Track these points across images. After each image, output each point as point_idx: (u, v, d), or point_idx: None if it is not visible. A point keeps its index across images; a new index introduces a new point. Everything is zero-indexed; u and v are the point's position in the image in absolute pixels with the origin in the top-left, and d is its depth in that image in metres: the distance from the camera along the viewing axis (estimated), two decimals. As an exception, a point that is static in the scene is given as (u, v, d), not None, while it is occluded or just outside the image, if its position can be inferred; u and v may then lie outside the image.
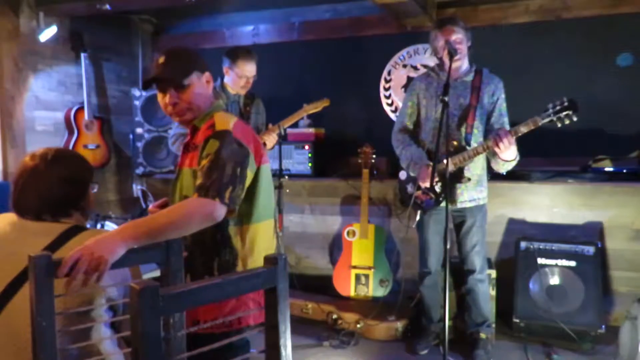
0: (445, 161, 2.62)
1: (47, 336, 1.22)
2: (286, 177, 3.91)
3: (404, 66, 4.41)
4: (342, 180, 4.14)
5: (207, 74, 1.83)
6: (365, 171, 3.81)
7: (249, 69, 3.29)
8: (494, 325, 3.20)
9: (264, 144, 3.33)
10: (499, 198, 3.71)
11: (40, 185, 1.61)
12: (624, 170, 3.51)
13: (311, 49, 4.66)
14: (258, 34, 4.82)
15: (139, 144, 4.56)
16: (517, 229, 3.68)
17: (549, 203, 3.65)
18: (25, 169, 1.64)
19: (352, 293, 3.82)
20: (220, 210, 1.56)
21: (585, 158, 3.65)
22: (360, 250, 3.82)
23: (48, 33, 4.15)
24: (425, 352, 3.20)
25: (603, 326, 3.18)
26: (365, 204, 3.80)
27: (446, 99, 2.55)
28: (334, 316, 3.56)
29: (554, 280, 3.34)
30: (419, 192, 3.04)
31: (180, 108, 1.77)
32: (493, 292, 3.28)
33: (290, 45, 4.71)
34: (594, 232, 3.52)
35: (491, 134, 2.86)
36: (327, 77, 4.58)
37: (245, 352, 1.71)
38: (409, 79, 4.39)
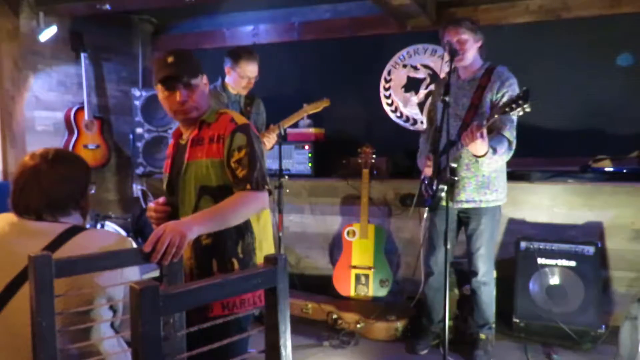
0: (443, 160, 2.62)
1: (47, 336, 1.22)
2: (286, 177, 3.91)
3: (404, 66, 4.41)
4: (342, 180, 4.14)
5: (205, 76, 1.94)
6: (365, 171, 3.81)
7: (250, 69, 3.30)
8: (494, 326, 3.20)
9: (264, 144, 3.34)
10: (499, 198, 3.71)
11: (43, 184, 1.61)
12: (624, 170, 3.51)
13: (311, 49, 4.66)
14: (258, 34, 4.83)
15: (139, 144, 4.56)
16: (517, 229, 3.68)
17: (549, 203, 3.65)
18: (26, 168, 1.64)
19: (352, 293, 3.82)
20: (267, 198, 1.81)
21: (585, 158, 3.64)
22: (360, 250, 3.82)
23: (48, 33, 4.15)
24: (425, 352, 3.19)
25: (603, 326, 3.18)
26: (365, 204, 3.80)
27: (447, 99, 2.55)
28: (334, 316, 3.56)
29: (554, 280, 3.34)
30: (424, 189, 3.13)
31: (189, 106, 1.86)
32: (494, 292, 3.28)
33: (290, 45, 4.71)
34: (594, 232, 3.52)
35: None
36: (327, 77, 4.58)
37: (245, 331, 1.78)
38: (409, 79, 4.40)
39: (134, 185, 4.94)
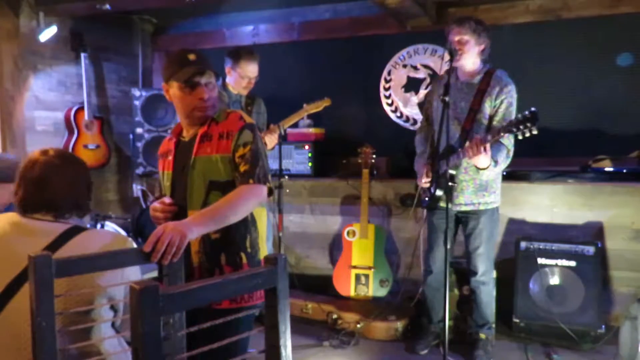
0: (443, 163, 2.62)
1: (47, 336, 1.22)
2: (286, 177, 3.91)
3: (404, 66, 4.41)
4: (342, 180, 4.14)
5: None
6: (365, 171, 3.81)
7: (251, 69, 3.30)
8: (494, 326, 3.20)
9: (265, 144, 3.33)
10: (499, 198, 3.71)
11: (54, 182, 1.62)
12: (624, 170, 3.51)
13: (311, 49, 4.66)
14: (258, 34, 4.82)
15: (139, 144, 4.56)
16: (517, 229, 3.68)
17: (549, 203, 3.65)
18: (35, 165, 1.63)
19: (352, 293, 3.82)
20: (266, 193, 1.82)
21: (585, 158, 3.65)
22: (360, 250, 3.82)
23: (48, 33, 4.15)
24: (425, 352, 3.19)
25: (603, 326, 3.18)
26: (365, 204, 3.80)
27: (446, 99, 2.54)
28: (334, 316, 3.56)
29: (554, 280, 3.34)
30: (422, 191, 3.14)
31: (210, 104, 1.89)
32: (493, 292, 3.28)
33: (290, 45, 4.71)
34: (594, 232, 3.52)
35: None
36: (327, 77, 4.58)
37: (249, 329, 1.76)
38: (409, 79, 4.40)
39: (134, 186, 4.95)
